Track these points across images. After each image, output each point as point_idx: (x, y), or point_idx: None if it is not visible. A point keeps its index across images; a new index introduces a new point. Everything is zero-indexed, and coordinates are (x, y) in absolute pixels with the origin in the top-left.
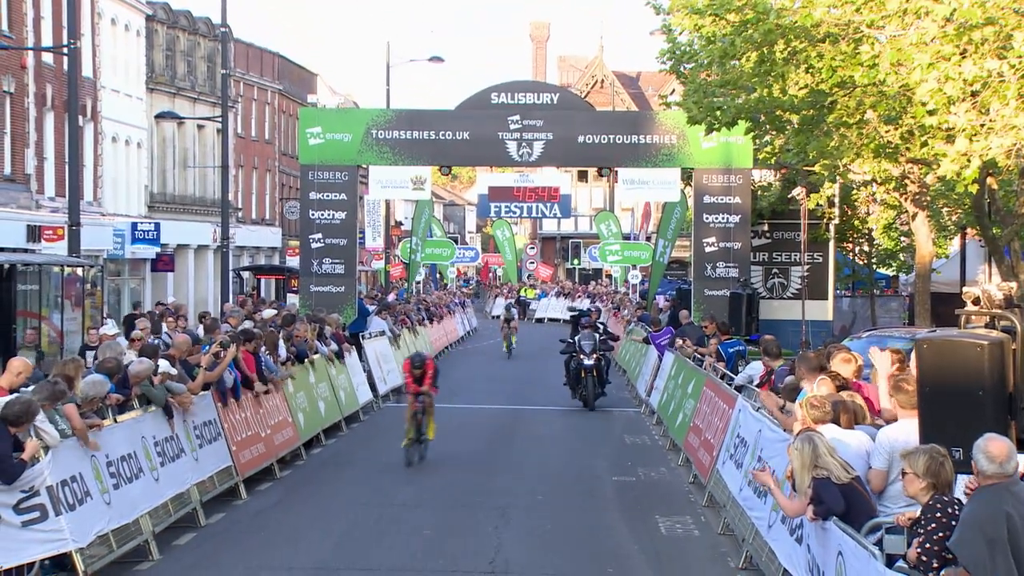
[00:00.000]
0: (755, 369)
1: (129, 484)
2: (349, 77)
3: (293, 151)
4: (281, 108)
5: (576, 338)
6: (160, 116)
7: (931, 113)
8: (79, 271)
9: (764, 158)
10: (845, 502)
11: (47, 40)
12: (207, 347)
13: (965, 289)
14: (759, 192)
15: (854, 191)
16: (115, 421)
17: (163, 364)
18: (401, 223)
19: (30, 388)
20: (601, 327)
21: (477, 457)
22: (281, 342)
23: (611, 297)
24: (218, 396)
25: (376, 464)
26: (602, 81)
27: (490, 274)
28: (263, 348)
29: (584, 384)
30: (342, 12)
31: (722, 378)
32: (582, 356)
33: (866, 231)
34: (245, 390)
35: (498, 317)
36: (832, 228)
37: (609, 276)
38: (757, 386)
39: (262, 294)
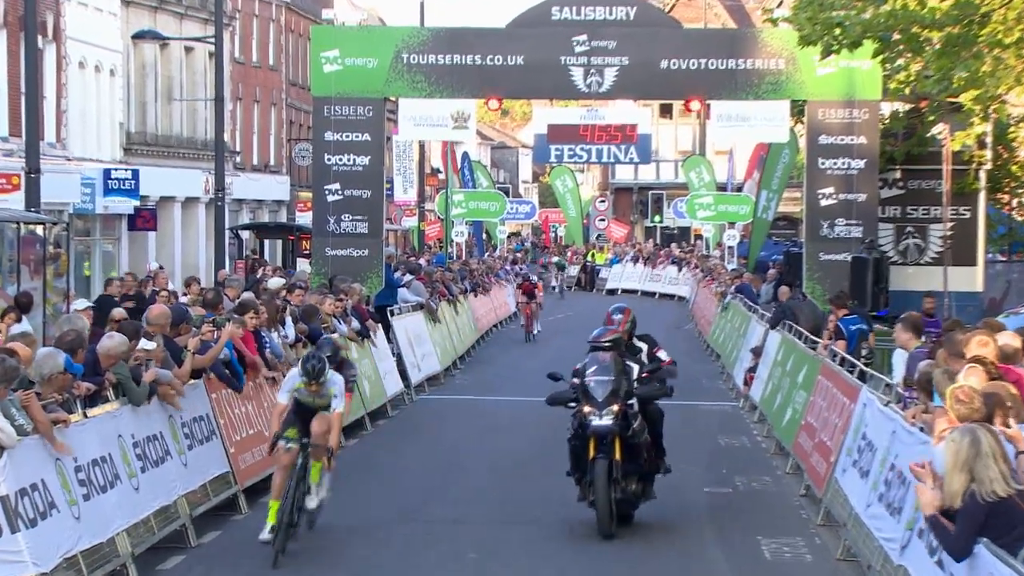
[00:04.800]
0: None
1: (103, 494)
2: None
3: (304, 81)
4: (289, 26)
5: (580, 372)
6: (139, 36)
7: None
8: (39, 229)
9: (896, 88)
10: (1004, 521)
11: None
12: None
13: None
14: (890, 131)
15: (1011, 128)
16: (85, 416)
17: (145, 344)
18: (439, 171)
19: None
20: (642, 349)
21: (529, 462)
22: (289, 320)
23: (701, 262)
24: (212, 385)
25: (407, 471)
26: None
27: (552, 234)
28: (266, 327)
29: (593, 474)
30: None
31: (842, 363)
32: (589, 413)
33: None
34: (247, 378)
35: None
36: (983, 175)
37: (699, 237)
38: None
39: (266, 258)
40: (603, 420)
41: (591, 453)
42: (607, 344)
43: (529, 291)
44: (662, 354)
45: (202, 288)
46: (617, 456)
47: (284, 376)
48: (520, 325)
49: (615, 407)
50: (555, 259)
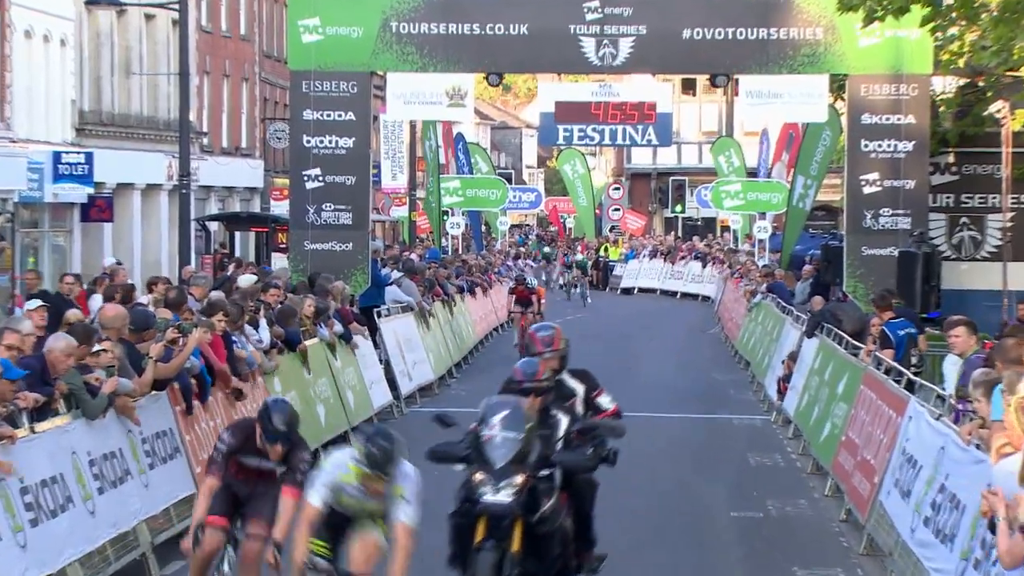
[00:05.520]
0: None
1: (53, 519)
2: None
3: (281, 53)
4: None
5: (482, 418)
6: (93, 2)
7: None
8: None
9: (949, 60)
10: None
11: None
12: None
13: None
14: (942, 109)
15: None
16: (32, 431)
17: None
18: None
19: None
20: (575, 392)
21: None
22: (263, 322)
23: (728, 257)
24: (176, 398)
25: None
26: None
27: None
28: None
29: (475, 569)
30: None
31: (887, 372)
32: (481, 483)
33: None
34: (215, 389)
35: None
36: None
37: (726, 229)
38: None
39: (237, 253)
40: (498, 496)
41: (478, 541)
42: (531, 389)
43: (524, 298)
44: (604, 400)
45: (158, 281)
46: (514, 547)
47: (254, 387)
48: (514, 345)
49: (518, 479)
50: (578, 257)
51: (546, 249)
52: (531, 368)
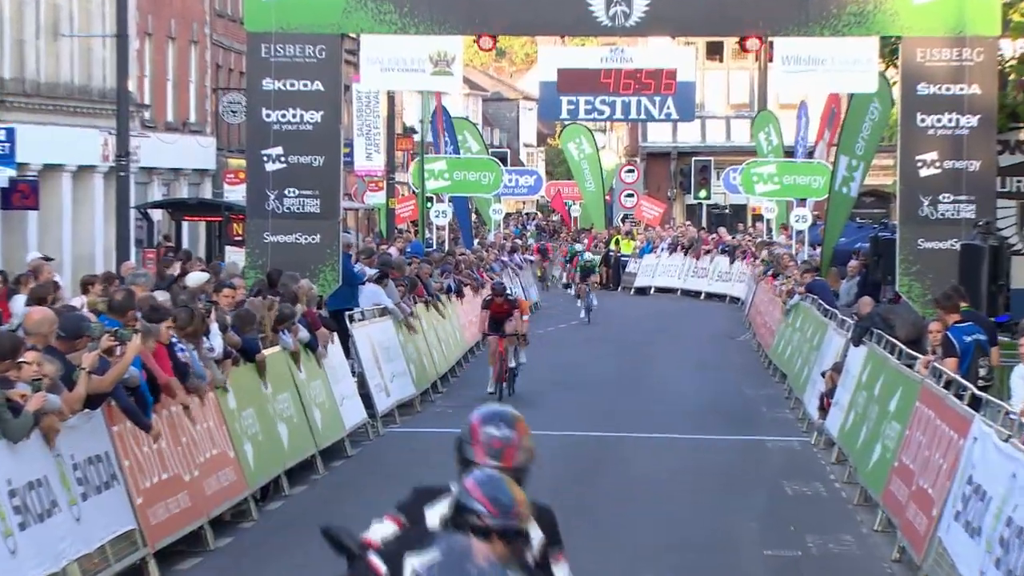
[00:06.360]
0: None
1: None
2: None
3: (235, 11)
4: None
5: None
6: None
7: None
8: None
9: (1020, 22)
10: None
11: None
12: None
13: None
14: (1011, 77)
15: None
16: None
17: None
18: (414, 130)
19: None
20: (531, 541)
21: None
22: (215, 327)
23: (761, 251)
24: (113, 416)
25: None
26: None
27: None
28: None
29: None
30: None
31: (948, 385)
32: None
33: None
34: (159, 406)
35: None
36: None
37: (758, 218)
38: None
39: (184, 246)
40: None
41: None
42: (503, 531)
43: (503, 314)
44: (561, 571)
45: (107, 287)
46: None
47: (203, 402)
48: (488, 392)
49: None
50: (586, 255)
51: (587, 255)
52: (505, 496)
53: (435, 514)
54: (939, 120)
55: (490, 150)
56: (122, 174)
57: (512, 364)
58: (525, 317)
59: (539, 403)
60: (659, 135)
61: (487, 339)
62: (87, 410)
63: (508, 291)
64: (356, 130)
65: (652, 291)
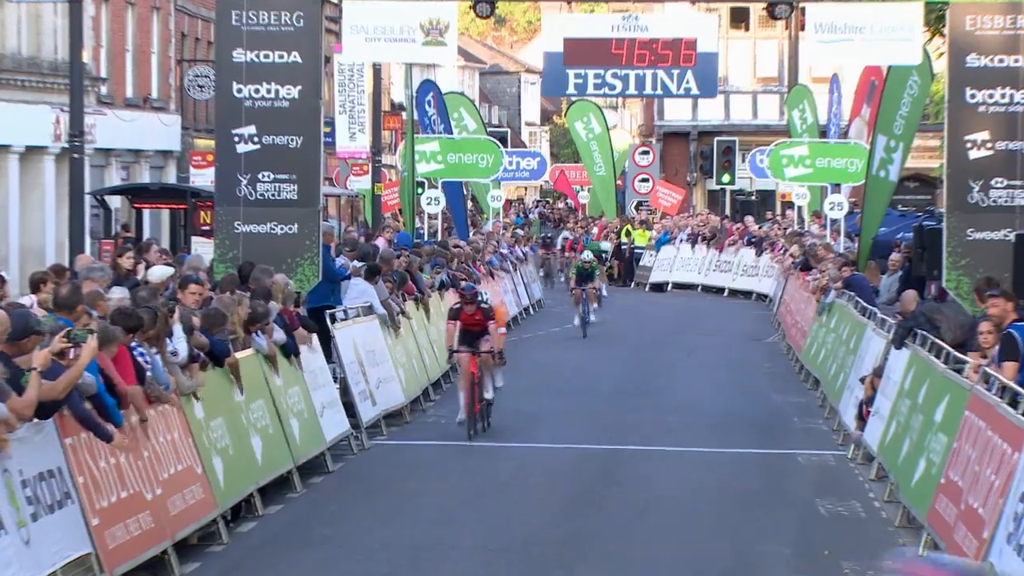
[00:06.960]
0: None
1: None
2: None
3: None
4: None
5: None
6: None
7: None
8: None
9: None
10: None
11: None
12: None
13: None
14: None
15: None
16: None
17: None
18: (403, 107)
19: None
20: None
21: (540, 540)
22: (178, 327)
23: (791, 242)
24: (67, 427)
25: (356, 552)
26: None
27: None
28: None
29: None
30: None
31: (1002, 393)
32: None
33: None
34: (124, 413)
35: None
36: None
37: (788, 205)
38: None
39: (146, 236)
40: None
41: None
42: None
43: (475, 327)
44: None
45: (47, 276)
46: None
47: (168, 407)
48: (458, 422)
49: None
50: (585, 256)
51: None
52: None
53: None
54: (991, 96)
55: (488, 129)
56: (76, 156)
57: (488, 395)
58: (502, 330)
59: (540, 412)
60: (677, 113)
61: (455, 357)
62: (37, 420)
63: (481, 297)
64: (338, 107)
65: (669, 287)
